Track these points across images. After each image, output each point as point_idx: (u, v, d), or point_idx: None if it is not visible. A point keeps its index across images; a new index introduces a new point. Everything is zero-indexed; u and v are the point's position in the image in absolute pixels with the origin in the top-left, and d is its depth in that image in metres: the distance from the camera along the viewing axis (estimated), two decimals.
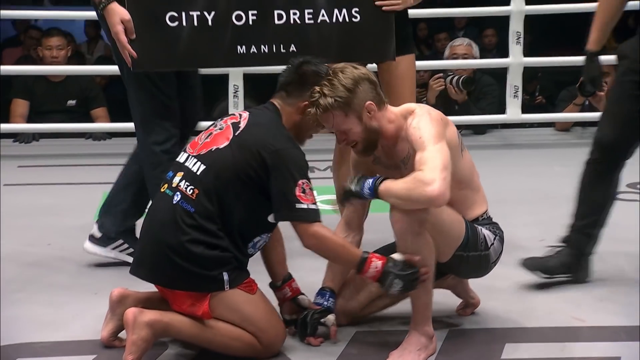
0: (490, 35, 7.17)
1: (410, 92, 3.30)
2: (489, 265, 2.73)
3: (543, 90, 6.84)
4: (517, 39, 5.38)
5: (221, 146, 2.55)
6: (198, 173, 2.54)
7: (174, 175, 2.59)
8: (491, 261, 2.72)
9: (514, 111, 5.44)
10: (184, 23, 3.06)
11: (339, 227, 2.78)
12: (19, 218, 4.00)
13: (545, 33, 7.67)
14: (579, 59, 5.58)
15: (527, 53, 5.57)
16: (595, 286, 3.13)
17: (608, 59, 5.81)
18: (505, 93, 5.51)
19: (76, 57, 7.06)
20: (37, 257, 3.48)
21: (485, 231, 2.70)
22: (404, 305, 2.71)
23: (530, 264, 3.07)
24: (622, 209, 3.97)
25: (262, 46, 3.11)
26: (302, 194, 2.51)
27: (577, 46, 7.50)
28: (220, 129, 2.60)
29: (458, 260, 2.65)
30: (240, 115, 2.64)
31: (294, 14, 3.14)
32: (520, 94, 5.44)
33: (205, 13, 3.08)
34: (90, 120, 5.72)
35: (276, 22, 3.13)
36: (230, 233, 2.54)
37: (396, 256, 2.54)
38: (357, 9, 3.16)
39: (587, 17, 8.94)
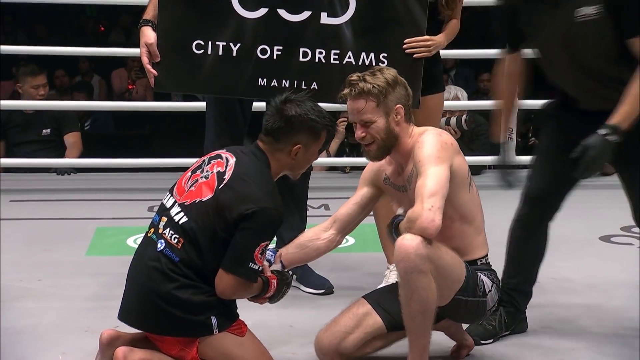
0: (486, 80, 7.22)
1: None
2: (486, 312, 2.72)
3: (536, 132, 6.86)
4: (510, 133, 5.39)
5: (204, 199, 2.55)
6: (180, 223, 2.55)
7: (160, 220, 2.60)
8: (487, 308, 2.71)
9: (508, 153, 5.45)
10: (209, 52, 3.16)
11: (327, 222, 2.83)
12: (9, 253, 3.97)
13: (538, 76, 7.71)
14: None
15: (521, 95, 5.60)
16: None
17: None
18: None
19: (80, 88, 7.07)
20: (26, 291, 3.46)
21: (483, 277, 2.69)
22: (400, 348, 2.69)
23: (471, 330, 2.96)
24: (619, 252, 4.00)
25: (284, 81, 3.15)
26: (259, 255, 2.52)
27: None
28: (205, 177, 2.59)
29: (456, 304, 2.64)
30: (227, 161, 2.62)
31: (320, 53, 3.18)
32: (514, 135, 5.45)
33: (231, 44, 3.16)
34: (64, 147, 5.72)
35: (301, 59, 3.17)
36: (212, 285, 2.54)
37: (275, 267, 2.70)
38: (385, 54, 3.18)
39: None
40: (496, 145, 5.79)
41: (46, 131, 5.68)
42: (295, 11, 3.18)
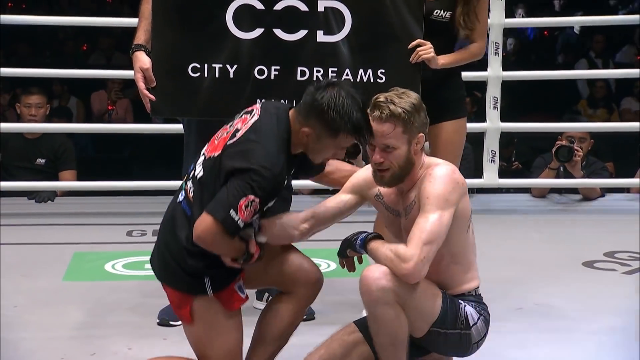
0: (467, 103, 7.25)
1: (453, 157, 3.24)
2: (471, 346, 2.68)
3: (519, 156, 6.89)
4: (494, 104, 5.43)
5: (216, 154, 2.57)
6: (198, 178, 2.58)
7: (189, 175, 2.64)
8: (473, 342, 2.67)
9: (491, 176, 5.47)
10: (206, 74, 3.15)
11: (304, 214, 2.75)
12: None
13: (520, 99, 7.77)
14: (554, 125, 5.71)
15: (503, 118, 5.63)
16: None
17: (584, 125, 5.94)
18: (482, 158, 5.55)
19: (60, 115, 7.00)
20: (2, 319, 3.42)
21: (468, 308, 2.66)
22: None
23: None
24: (601, 278, 4.01)
25: (282, 101, 3.13)
26: (243, 207, 2.46)
27: (552, 113, 7.64)
28: (227, 132, 2.60)
29: (435, 337, 2.62)
30: (252, 118, 2.60)
31: (318, 71, 3.19)
32: (497, 158, 5.48)
33: (228, 66, 3.16)
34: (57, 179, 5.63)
35: (298, 78, 3.17)
36: None
37: (260, 238, 2.62)
38: (382, 70, 3.19)
39: (563, 83, 9.10)
40: (478, 171, 5.78)
41: (41, 161, 5.58)
42: (291, 31, 3.18)
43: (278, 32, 3.18)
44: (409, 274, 2.48)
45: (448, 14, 3.24)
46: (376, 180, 2.66)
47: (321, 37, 3.19)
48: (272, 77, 3.17)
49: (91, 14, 9.11)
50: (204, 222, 2.48)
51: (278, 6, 3.15)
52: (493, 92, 5.38)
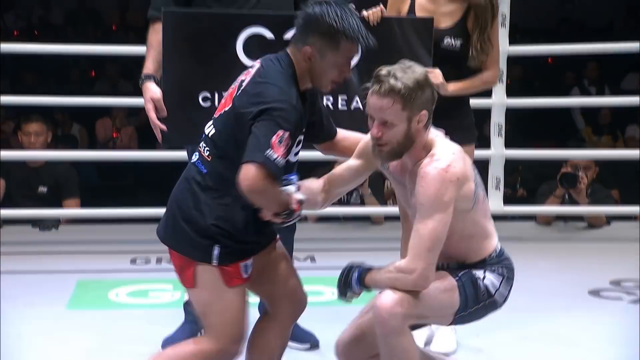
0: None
1: None
2: (497, 309, 2.68)
3: (524, 183, 6.89)
4: (499, 131, 5.44)
5: (227, 108, 2.57)
6: (210, 136, 2.58)
7: (202, 136, 2.64)
8: (498, 305, 2.67)
9: (496, 203, 5.46)
10: (216, 103, 3.16)
11: (321, 182, 2.72)
12: None
13: (525, 126, 7.77)
14: (559, 153, 5.70)
15: (507, 145, 5.63)
16: None
17: (589, 153, 5.93)
18: (487, 185, 5.54)
19: (65, 142, 6.99)
20: (6, 348, 3.41)
21: (488, 279, 2.63)
22: None
23: None
24: (608, 307, 3.99)
25: None
26: (277, 143, 2.44)
27: (557, 140, 7.64)
28: (233, 87, 2.61)
29: (461, 319, 2.63)
30: (253, 67, 2.60)
31: (328, 99, 3.20)
32: (502, 185, 5.47)
33: None
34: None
35: None
36: (237, 201, 2.51)
37: (301, 196, 2.57)
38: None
39: (567, 110, 9.09)
40: None
41: (43, 189, 5.58)
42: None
43: None
44: (418, 284, 2.49)
45: (459, 42, 3.25)
46: (374, 154, 2.61)
47: None
48: None
49: (97, 41, 9.13)
50: (247, 171, 2.43)
51: (288, 35, 3.16)
52: (497, 119, 5.39)
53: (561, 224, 5.79)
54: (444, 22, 3.22)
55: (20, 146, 5.78)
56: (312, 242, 4.98)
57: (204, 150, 2.59)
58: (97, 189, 7.04)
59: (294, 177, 2.62)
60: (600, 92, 8.79)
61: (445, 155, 2.55)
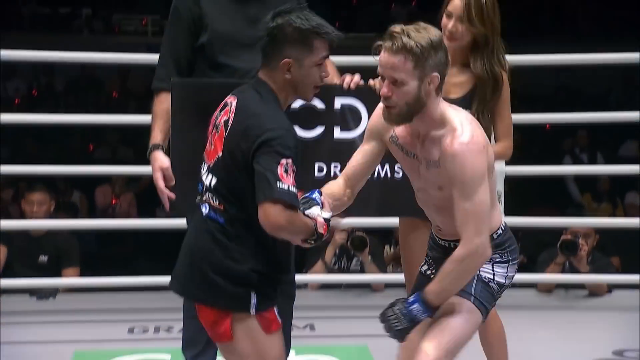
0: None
1: None
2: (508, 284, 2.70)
3: (524, 250, 6.87)
4: (498, 198, 5.44)
5: (220, 153, 2.54)
6: (213, 186, 2.55)
7: (203, 187, 2.61)
8: (507, 286, 2.69)
9: None
10: None
11: (340, 180, 2.71)
12: None
13: (525, 192, 7.79)
14: (559, 221, 5.70)
15: (507, 212, 5.63)
16: None
17: (588, 221, 5.93)
18: None
19: (66, 210, 6.99)
20: None
21: (497, 274, 2.63)
22: None
23: None
24: None
25: None
26: (284, 174, 2.43)
27: (557, 207, 7.65)
28: (217, 131, 2.58)
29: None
30: (231, 105, 2.58)
31: (335, 167, 3.23)
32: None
33: None
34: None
35: (316, 174, 3.21)
36: (264, 238, 2.49)
37: (326, 214, 2.56)
38: (399, 165, 3.20)
39: (565, 181, 9.06)
40: None
41: (43, 258, 5.55)
42: (308, 127, 3.24)
43: (296, 129, 3.21)
44: (484, 259, 2.52)
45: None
46: (384, 116, 2.56)
47: (338, 133, 3.24)
48: None
49: (97, 108, 9.23)
50: (265, 211, 2.43)
51: (295, 105, 3.18)
52: (497, 187, 5.40)
53: (562, 292, 5.76)
54: (454, 93, 3.24)
55: (20, 214, 5.78)
56: (312, 309, 4.95)
57: (213, 200, 2.56)
58: (95, 256, 7.02)
59: (315, 196, 2.60)
60: (592, 159, 8.84)
61: (464, 127, 2.53)
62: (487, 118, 3.23)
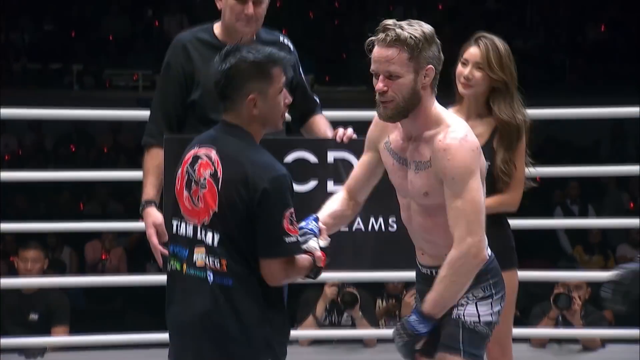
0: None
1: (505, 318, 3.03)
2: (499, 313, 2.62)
3: (516, 304, 6.85)
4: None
5: (216, 208, 2.48)
6: (216, 245, 2.48)
7: (192, 252, 2.51)
8: (497, 319, 2.60)
9: None
10: None
11: (343, 193, 2.71)
12: None
13: (516, 245, 7.78)
14: (551, 275, 5.69)
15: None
16: None
17: (580, 275, 5.92)
18: None
19: (55, 268, 6.94)
20: None
21: (483, 315, 2.56)
22: None
23: None
24: None
25: None
26: (290, 226, 2.44)
27: (549, 259, 7.64)
28: (203, 187, 2.51)
29: None
30: (210, 158, 2.53)
31: None
32: None
33: None
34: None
35: None
36: (275, 292, 2.49)
37: (323, 243, 2.57)
38: (393, 219, 3.20)
39: (555, 232, 9.06)
40: None
41: (34, 316, 5.50)
42: (302, 181, 3.24)
43: None
44: (481, 260, 2.46)
45: (487, 164, 3.21)
46: (379, 114, 2.53)
47: (331, 187, 3.25)
48: None
49: (88, 164, 9.23)
50: (272, 268, 2.44)
51: (288, 158, 3.22)
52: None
53: (556, 347, 5.72)
54: None
55: (9, 270, 5.74)
56: None
57: (215, 263, 2.49)
58: (84, 312, 6.96)
59: (312, 226, 2.59)
60: (583, 211, 8.86)
61: (459, 125, 2.51)
62: (511, 167, 3.16)
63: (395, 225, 3.21)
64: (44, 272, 5.90)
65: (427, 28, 2.48)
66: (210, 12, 3.48)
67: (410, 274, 6.01)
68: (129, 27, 13.04)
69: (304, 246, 2.54)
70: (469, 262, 2.47)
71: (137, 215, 3.25)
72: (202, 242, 2.52)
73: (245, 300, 2.47)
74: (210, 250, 2.51)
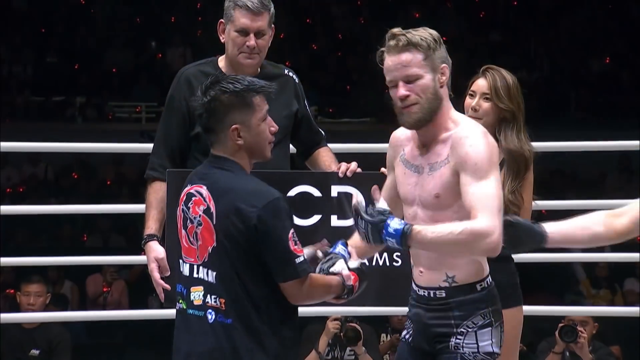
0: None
1: (509, 354, 3.03)
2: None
3: (523, 338, 6.81)
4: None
5: (215, 244, 2.48)
6: (215, 282, 2.48)
7: (189, 292, 2.51)
8: (499, 350, 2.53)
9: None
10: None
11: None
12: None
13: (522, 279, 7.75)
14: (557, 309, 5.66)
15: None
16: None
17: (587, 309, 5.89)
18: None
19: (56, 303, 6.94)
20: None
21: (482, 347, 2.49)
22: None
23: None
24: None
25: None
26: (296, 247, 2.44)
27: (555, 293, 7.61)
28: (200, 224, 2.51)
29: None
30: (202, 194, 2.53)
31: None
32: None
33: None
34: None
35: None
36: (275, 320, 2.47)
37: (354, 265, 2.55)
38: (398, 253, 3.19)
39: (564, 263, 9.04)
40: None
41: (35, 352, 5.47)
42: (305, 216, 3.23)
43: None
44: (495, 248, 2.33)
45: None
46: (403, 122, 2.50)
47: (335, 221, 3.24)
48: None
49: (90, 197, 9.24)
50: (288, 291, 2.46)
51: (291, 192, 3.21)
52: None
53: None
54: None
55: (10, 305, 5.73)
56: None
57: (215, 301, 2.48)
58: (85, 347, 6.94)
59: (339, 249, 2.59)
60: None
61: (476, 124, 2.52)
62: (519, 197, 3.13)
63: (400, 260, 3.20)
64: (46, 306, 5.91)
65: (433, 31, 2.51)
66: (213, 45, 3.50)
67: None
68: (132, 60, 13.12)
69: (331, 269, 2.54)
70: (478, 240, 2.34)
71: (139, 248, 3.25)
72: (199, 281, 2.52)
73: (245, 339, 2.46)
74: (209, 288, 2.50)
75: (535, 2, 13.91)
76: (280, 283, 2.46)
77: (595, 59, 13.10)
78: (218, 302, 2.48)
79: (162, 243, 3.20)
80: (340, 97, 12.92)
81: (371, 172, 3.31)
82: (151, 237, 3.19)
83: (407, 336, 2.67)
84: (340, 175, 3.24)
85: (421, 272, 2.62)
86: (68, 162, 11.14)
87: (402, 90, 2.46)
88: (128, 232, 8.63)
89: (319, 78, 12.35)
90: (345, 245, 2.62)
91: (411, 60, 2.45)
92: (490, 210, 2.35)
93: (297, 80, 3.30)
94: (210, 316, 2.50)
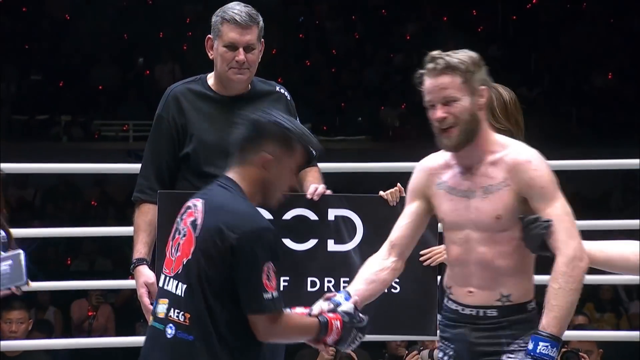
0: None
1: None
2: None
3: None
4: None
5: (190, 257, 2.46)
6: (182, 295, 2.45)
7: (158, 304, 2.50)
8: None
9: None
10: None
11: (383, 250, 2.70)
12: None
13: None
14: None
15: None
16: None
17: (594, 334, 5.88)
18: None
19: (40, 329, 6.90)
20: None
21: None
22: None
23: None
24: None
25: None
26: (267, 282, 2.41)
27: None
28: (184, 235, 2.51)
29: None
30: (196, 206, 2.52)
31: (329, 281, 3.21)
32: None
33: None
34: None
35: (309, 289, 3.18)
36: (235, 349, 2.44)
37: (345, 307, 2.53)
38: (397, 280, 3.18)
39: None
40: None
41: None
42: (301, 240, 3.22)
43: (287, 242, 3.21)
44: (585, 265, 2.49)
45: None
46: (444, 145, 2.58)
47: (332, 246, 3.23)
48: (281, 288, 3.12)
49: (75, 218, 9.21)
50: (255, 324, 2.43)
51: (287, 216, 3.20)
52: None
53: None
54: None
55: None
56: None
57: (179, 316, 2.46)
58: None
59: (337, 298, 2.59)
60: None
61: (524, 145, 2.61)
62: None
63: (398, 287, 3.19)
64: (29, 333, 5.87)
65: (473, 53, 2.59)
66: (202, 61, 3.50)
67: None
68: (118, 77, 13.10)
69: (314, 307, 2.55)
70: (578, 266, 2.48)
71: (126, 272, 3.23)
72: (167, 293, 2.51)
73: (205, 358, 2.43)
74: (175, 302, 2.49)
75: (535, 16, 13.95)
76: (247, 315, 2.44)
77: (597, 74, 13.14)
78: (182, 317, 2.46)
79: (151, 267, 3.19)
80: (335, 114, 12.92)
81: (369, 195, 3.31)
82: (140, 261, 3.18)
83: (445, 358, 2.70)
84: (308, 197, 3.21)
85: (471, 292, 2.65)
86: (52, 183, 11.11)
87: (439, 112, 2.55)
88: (115, 255, 8.59)
89: (312, 95, 12.35)
90: (348, 297, 2.63)
91: (449, 83, 2.54)
92: (563, 234, 2.49)
93: (289, 98, 3.30)
94: (170, 331, 2.48)
